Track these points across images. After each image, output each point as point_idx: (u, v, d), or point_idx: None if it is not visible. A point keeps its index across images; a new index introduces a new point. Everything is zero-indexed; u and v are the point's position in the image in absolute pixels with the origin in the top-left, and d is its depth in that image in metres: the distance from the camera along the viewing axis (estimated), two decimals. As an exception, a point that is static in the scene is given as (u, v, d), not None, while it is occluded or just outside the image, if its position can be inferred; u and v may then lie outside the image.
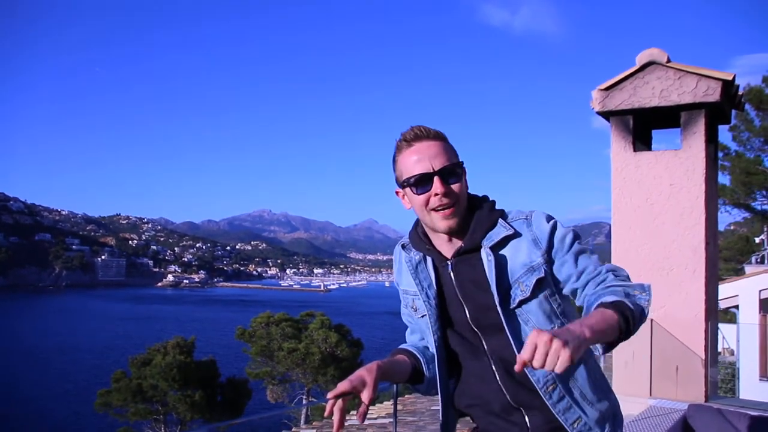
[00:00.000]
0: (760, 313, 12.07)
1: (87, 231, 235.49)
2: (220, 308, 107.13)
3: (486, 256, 1.50)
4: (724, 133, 18.56)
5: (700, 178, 4.28)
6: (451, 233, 1.55)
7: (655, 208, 4.40)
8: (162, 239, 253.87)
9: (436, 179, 1.48)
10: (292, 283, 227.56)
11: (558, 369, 1.12)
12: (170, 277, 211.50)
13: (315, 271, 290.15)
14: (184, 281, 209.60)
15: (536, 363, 1.12)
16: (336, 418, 1.40)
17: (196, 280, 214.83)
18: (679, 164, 4.34)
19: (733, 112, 4.89)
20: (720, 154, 17.25)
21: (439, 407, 1.63)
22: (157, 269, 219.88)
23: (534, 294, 1.48)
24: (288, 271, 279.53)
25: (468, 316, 1.55)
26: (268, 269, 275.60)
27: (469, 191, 1.59)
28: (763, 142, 19.15)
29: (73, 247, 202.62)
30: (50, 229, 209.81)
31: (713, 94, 4.13)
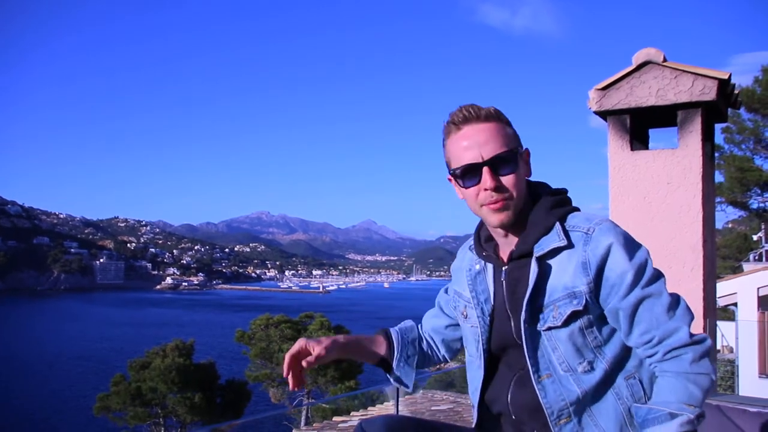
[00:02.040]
0: (758, 310, 12.10)
1: (85, 234, 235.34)
2: (219, 311, 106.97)
3: (533, 267, 1.33)
4: (717, 134, 18.59)
5: (697, 176, 4.31)
6: (506, 228, 1.38)
7: (652, 207, 4.42)
8: (160, 242, 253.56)
9: (485, 171, 1.31)
10: (291, 285, 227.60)
11: None
12: (169, 280, 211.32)
13: (314, 272, 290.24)
14: (183, 284, 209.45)
15: None
16: (291, 377, 1.46)
17: (195, 282, 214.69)
18: (676, 163, 4.36)
19: (729, 110, 4.92)
20: (716, 154, 17.28)
21: (474, 416, 1.54)
22: (155, 272, 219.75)
23: (566, 324, 1.31)
24: (287, 272, 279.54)
25: (513, 328, 1.41)
26: (266, 271, 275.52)
27: (531, 179, 1.43)
28: (756, 143, 19.21)
29: (72, 250, 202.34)
30: (48, 233, 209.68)
31: (709, 92, 4.16)
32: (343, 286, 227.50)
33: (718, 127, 5.11)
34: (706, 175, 4.37)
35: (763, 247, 21.81)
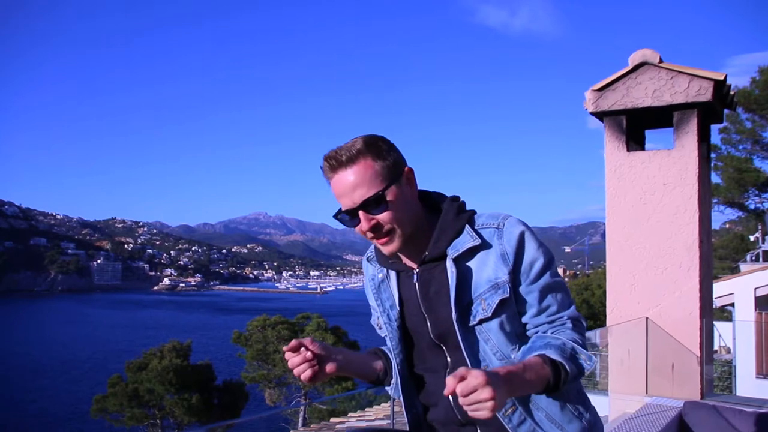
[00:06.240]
0: (755, 310, 12.11)
1: (82, 235, 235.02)
2: (216, 312, 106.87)
3: (449, 268, 1.39)
4: (715, 135, 18.66)
5: (693, 177, 4.31)
6: (403, 251, 1.44)
7: (648, 207, 4.42)
8: (158, 243, 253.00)
9: (360, 214, 1.36)
10: (288, 286, 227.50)
11: (474, 415, 1.11)
12: (166, 281, 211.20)
13: (311, 273, 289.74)
14: (180, 285, 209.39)
15: (462, 401, 1.11)
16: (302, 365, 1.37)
17: (192, 283, 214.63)
18: (672, 163, 4.36)
19: (725, 111, 4.92)
20: (713, 155, 17.31)
21: (407, 427, 1.55)
22: (153, 273, 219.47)
23: (496, 314, 1.37)
24: (284, 273, 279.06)
25: (429, 329, 1.45)
26: (264, 272, 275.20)
27: (432, 191, 1.49)
28: (753, 144, 19.25)
29: (69, 251, 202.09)
30: (45, 234, 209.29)
31: (705, 93, 4.16)
32: (341, 287, 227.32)
33: (714, 127, 5.12)
34: (702, 176, 4.38)
35: (760, 247, 21.83)
